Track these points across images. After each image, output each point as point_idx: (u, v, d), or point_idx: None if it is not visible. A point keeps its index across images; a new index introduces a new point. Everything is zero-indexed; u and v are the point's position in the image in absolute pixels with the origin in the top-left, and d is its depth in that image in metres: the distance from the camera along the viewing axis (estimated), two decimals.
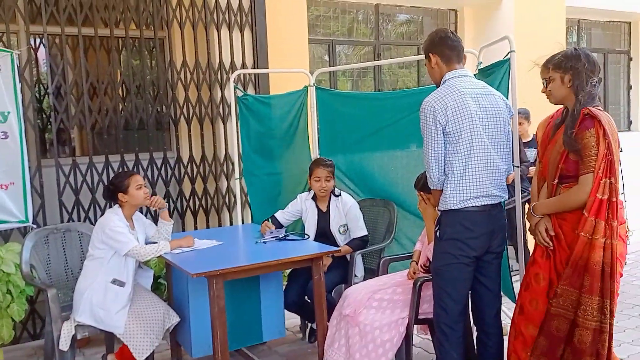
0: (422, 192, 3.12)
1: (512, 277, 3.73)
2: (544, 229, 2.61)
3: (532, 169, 4.86)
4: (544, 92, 2.85)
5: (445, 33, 2.78)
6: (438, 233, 2.77)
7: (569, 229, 2.52)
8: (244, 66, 4.90)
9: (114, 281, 3.22)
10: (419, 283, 3.02)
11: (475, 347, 2.97)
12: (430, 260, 2.97)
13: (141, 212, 3.63)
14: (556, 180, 2.57)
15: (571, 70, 2.51)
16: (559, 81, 2.56)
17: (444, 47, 2.75)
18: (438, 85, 2.81)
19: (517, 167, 3.29)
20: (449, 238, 2.71)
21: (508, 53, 3.36)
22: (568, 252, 2.50)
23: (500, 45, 3.50)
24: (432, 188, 2.77)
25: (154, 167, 4.71)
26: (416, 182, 3.21)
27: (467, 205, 2.66)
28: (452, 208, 2.67)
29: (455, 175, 2.65)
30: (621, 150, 2.54)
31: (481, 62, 3.72)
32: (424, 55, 2.85)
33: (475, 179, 2.66)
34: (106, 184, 3.67)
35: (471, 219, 2.68)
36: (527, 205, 4.80)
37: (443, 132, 2.63)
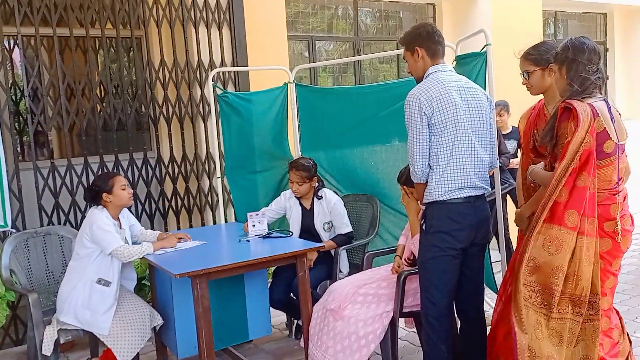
0: (405, 186, 3.14)
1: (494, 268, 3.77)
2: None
3: (513, 160, 4.92)
4: (525, 85, 2.87)
5: (432, 28, 2.80)
6: (424, 226, 2.77)
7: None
8: (223, 64, 4.87)
9: (100, 281, 3.19)
10: (403, 276, 3.03)
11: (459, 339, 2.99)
12: (415, 253, 2.98)
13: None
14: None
15: (566, 61, 2.47)
16: (558, 73, 2.53)
17: (430, 41, 2.76)
18: (418, 79, 2.81)
19: (497, 159, 3.31)
20: (435, 231, 2.72)
21: (484, 46, 3.38)
22: None
23: (478, 38, 3.51)
24: (415, 181, 2.78)
25: (135, 167, 4.66)
26: (399, 176, 3.22)
27: (452, 197, 2.67)
28: (438, 199, 2.68)
29: (440, 167, 2.66)
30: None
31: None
32: (405, 47, 2.83)
33: (460, 170, 2.67)
34: (86, 186, 3.62)
35: (457, 211, 2.69)
36: (508, 197, 4.89)
37: (428, 123, 2.64)
